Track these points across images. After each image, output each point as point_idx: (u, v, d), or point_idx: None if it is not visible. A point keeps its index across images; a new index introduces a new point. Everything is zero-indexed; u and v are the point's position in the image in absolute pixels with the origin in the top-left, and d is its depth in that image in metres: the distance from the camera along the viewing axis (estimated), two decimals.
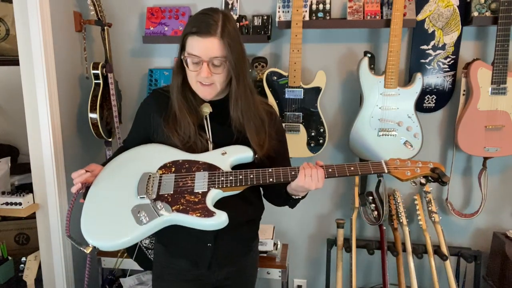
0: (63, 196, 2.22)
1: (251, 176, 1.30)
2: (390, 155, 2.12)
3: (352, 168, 1.32)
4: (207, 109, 1.38)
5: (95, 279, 2.39)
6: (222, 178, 1.30)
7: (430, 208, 2.20)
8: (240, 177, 1.30)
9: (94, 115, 2.25)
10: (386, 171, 1.33)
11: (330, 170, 1.32)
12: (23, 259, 2.22)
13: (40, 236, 2.24)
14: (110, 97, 2.31)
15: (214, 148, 1.39)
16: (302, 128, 2.20)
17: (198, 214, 1.25)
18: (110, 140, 2.39)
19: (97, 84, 2.29)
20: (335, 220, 2.30)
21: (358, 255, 2.36)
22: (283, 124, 2.19)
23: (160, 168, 1.36)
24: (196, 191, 1.29)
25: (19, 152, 2.84)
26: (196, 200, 1.28)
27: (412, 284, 2.10)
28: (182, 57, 1.32)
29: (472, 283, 2.30)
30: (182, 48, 1.32)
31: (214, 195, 1.30)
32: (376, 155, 2.15)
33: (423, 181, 1.37)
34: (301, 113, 2.19)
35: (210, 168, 1.33)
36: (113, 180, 1.36)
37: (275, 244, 2.22)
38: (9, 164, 2.30)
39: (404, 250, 2.17)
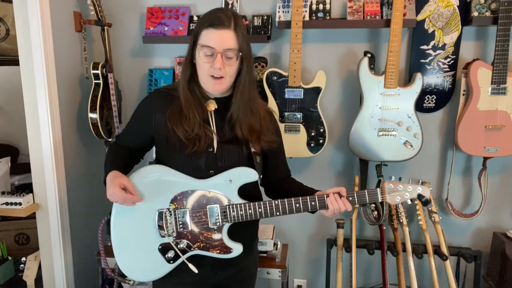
0: (63, 196, 2.22)
1: (259, 210, 1.40)
2: (390, 155, 2.15)
3: (350, 199, 1.41)
4: (212, 106, 1.42)
5: (95, 279, 2.39)
6: (234, 213, 1.40)
7: (430, 208, 2.20)
8: (250, 211, 1.40)
9: (94, 115, 2.25)
10: (380, 199, 1.43)
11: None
12: (23, 259, 2.22)
13: (40, 236, 2.24)
14: (110, 97, 2.31)
15: (218, 141, 1.41)
16: (302, 128, 2.20)
17: (218, 251, 1.42)
18: (110, 140, 2.39)
19: (97, 84, 2.29)
20: (335, 220, 2.30)
21: (358, 255, 2.36)
22: (283, 124, 2.20)
23: (172, 202, 1.42)
24: (212, 227, 1.41)
25: (19, 152, 2.84)
26: (213, 236, 1.41)
27: (412, 284, 2.10)
28: (194, 51, 1.37)
29: (472, 283, 2.30)
30: (194, 43, 1.37)
31: (227, 227, 1.42)
32: (376, 155, 2.15)
33: (409, 202, 1.47)
34: (301, 113, 2.19)
35: (219, 199, 1.41)
36: (131, 218, 1.44)
37: (275, 244, 2.22)
38: (9, 164, 2.30)
39: (404, 250, 2.17)
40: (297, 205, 1.39)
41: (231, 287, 1.55)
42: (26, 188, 2.30)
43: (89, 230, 2.46)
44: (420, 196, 1.43)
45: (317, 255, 2.55)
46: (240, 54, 1.35)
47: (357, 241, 2.26)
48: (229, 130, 1.44)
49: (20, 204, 2.08)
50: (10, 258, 2.50)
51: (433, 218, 2.18)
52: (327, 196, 1.39)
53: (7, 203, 2.09)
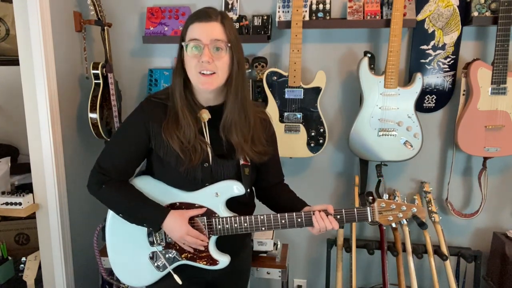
0: (63, 196, 2.22)
1: (245, 224, 1.39)
2: (390, 155, 2.15)
3: (338, 217, 1.38)
4: (206, 116, 1.36)
5: (95, 279, 2.39)
6: (219, 226, 1.40)
7: (430, 208, 2.20)
8: (235, 225, 1.39)
9: (94, 115, 2.25)
10: (370, 219, 1.40)
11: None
12: (23, 259, 2.22)
13: (40, 236, 2.24)
14: (110, 97, 2.30)
15: (213, 155, 1.38)
16: (302, 128, 2.20)
17: (205, 262, 1.44)
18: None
19: (97, 84, 2.29)
20: None
21: (358, 255, 2.36)
22: (283, 124, 2.19)
23: None
24: None
25: (19, 152, 2.84)
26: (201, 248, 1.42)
27: (412, 284, 2.09)
28: (182, 45, 1.31)
29: (472, 283, 2.30)
30: (182, 40, 1.31)
31: (214, 240, 1.43)
32: (376, 155, 2.15)
33: (404, 222, 1.45)
34: (301, 113, 2.19)
35: (206, 212, 1.40)
36: (124, 226, 1.45)
37: (275, 244, 2.22)
38: (9, 164, 2.30)
39: (404, 250, 2.17)
40: (283, 221, 1.38)
41: (225, 284, 1.55)
42: (26, 188, 2.29)
43: (89, 230, 2.46)
44: (414, 217, 1.40)
45: (317, 255, 2.55)
46: (229, 45, 1.28)
47: (357, 241, 2.26)
48: (223, 140, 1.39)
49: (20, 204, 2.08)
50: (10, 258, 2.50)
51: (433, 218, 2.18)
52: (313, 213, 1.36)
53: (7, 203, 2.09)
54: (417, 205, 1.41)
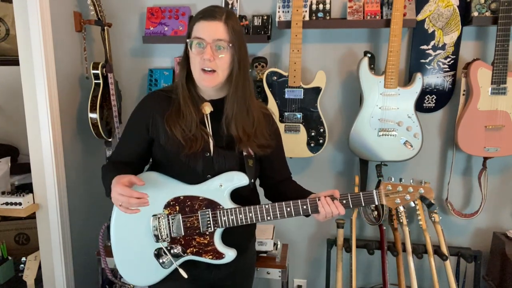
0: (63, 196, 2.22)
1: (250, 215, 1.39)
2: (390, 155, 2.15)
3: (344, 202, 1.38)
4: (208, 108, 1.40)
5: (95, 279, 2.39)
6: (224, 218, 1.39)
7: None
8: (240, 216, 1.39)
9: (94, 115, 2.25)
10: (376, 202, 1.39)
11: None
12: (23, 259, 2.22)
13: (40, 236, 2.24)
14: (110, 97, 2.31)
15: (214, 145, 1.41)
16: (302, 128, 2.20)
17: (210, 257, 1.42)
18: (110, 140, 2.39)
19: (97, 84, 2.29)
20: (335, 220, 2.30)
21: (358, 255, 2.36)
22: (283, 124, 2.20)
23: (165, 207, 1.42)
24: (204, 232, 1.41)
25: (19, 152, 2.84)
26: (206, 242, 1.42)
27: (412, 284, 2.10)
28: (187, 42, 1.35)
29: (472, 283, 2.30)
30: (188, 37, 1.36)
31: (220, 233, 1.42)
32: (376, 155, 2.15)
33: (412, 204, 1.42)
34: (301, 113, 2.19)
35: (211, 204, 1.40)
36: (129, 224, 1.46)
37: (275, 244, 2.22)
38: (9, 164, 2.30)
39: (404, 250, 2.17)
40: (288, 209, 1.38)
41: (229, 286, 1.55)
42: (26, 188, 2.30)
43: (89, 230, 2.46)
44: (422, 198, 1.37)
45: (317, 255, 2.55)
46: (230, 45, 1.32)
47: (357, 241, 2.26)
48: (225, 132, 1.42)
49: (20, 204, 2.08)
50: (10, 258, 2.50)
51: (433, 218, 2.18)
52: (319, 199, 1.36)
53: (7, 203, 2.09)
54: (424, 185, 1.38)
